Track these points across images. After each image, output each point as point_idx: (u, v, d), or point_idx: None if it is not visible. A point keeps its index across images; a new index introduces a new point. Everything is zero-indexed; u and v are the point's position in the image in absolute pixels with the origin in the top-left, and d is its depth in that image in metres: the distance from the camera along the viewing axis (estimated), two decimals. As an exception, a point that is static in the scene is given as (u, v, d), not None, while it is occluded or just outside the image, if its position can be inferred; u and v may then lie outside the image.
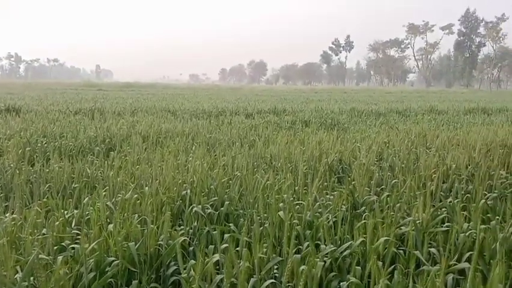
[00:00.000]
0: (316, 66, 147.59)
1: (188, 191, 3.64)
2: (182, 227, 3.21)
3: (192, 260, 2.50)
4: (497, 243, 2.66)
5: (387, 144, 7.32)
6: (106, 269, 2.52)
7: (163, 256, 2.64)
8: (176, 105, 16.50)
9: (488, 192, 4.25)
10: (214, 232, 2.92)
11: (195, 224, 3.24)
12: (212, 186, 3.86)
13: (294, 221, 3.12)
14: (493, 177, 4.55)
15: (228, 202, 3.50)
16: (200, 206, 3.36)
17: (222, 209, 3.45)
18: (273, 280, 2.34)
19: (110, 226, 2.87)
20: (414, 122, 12.79)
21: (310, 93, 46.25)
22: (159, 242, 2.76)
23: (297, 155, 6.08)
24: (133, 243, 2.66)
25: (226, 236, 2.98)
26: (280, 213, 3.06)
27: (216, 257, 2.53)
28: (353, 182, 4.34)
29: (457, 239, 2.91)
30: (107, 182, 4.24)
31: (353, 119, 13.98)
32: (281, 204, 3.21)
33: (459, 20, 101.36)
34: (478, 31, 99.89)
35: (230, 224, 3.26)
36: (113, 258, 2.57)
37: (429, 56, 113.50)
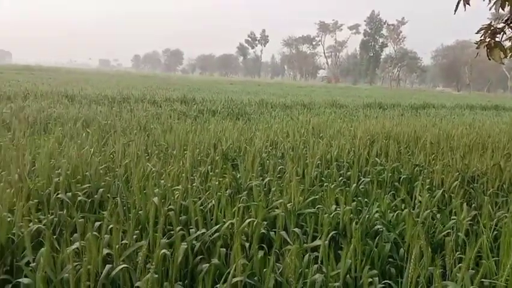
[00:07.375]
0: (233, 58, 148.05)
1: (61, 177, 3.40)
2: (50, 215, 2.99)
3: (43, 249, 2.32)
4: (354, 223, 2.87)
5: (285, 134, 7.57)
6: None
7: (15, 246, 2.43)
8: (76, 91, 15.43)
9: (364, 178, 4.60)
10: (80, 220, 2.76)
11: (63, 212, 3.03)
12: (87, 173, 3.64)
13: (170, 207, 3.07)
14: (369, 164, 4.93)
15: (102, 189, 3.33)
16: (70, 194, 3.15)
17: (96, 196, 3.27)
18: (125, 265, 2.26)
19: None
20: (316, 115, 13.43)
21: (226, 84, 46.31)
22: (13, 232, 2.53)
23: (195, 142, 6.03)
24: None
25: (97, 224, 2.84)
26: (155, 199, 2.99)
27: (76, 245, 2.39)
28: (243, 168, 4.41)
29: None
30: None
31: (260, 109, 14.29)
32: (156, 190, 3.13)
33: (365, 21, 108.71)
34: (381, 32, 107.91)
35: (104, 212, 3.11)
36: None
37: (338, 54, 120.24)
